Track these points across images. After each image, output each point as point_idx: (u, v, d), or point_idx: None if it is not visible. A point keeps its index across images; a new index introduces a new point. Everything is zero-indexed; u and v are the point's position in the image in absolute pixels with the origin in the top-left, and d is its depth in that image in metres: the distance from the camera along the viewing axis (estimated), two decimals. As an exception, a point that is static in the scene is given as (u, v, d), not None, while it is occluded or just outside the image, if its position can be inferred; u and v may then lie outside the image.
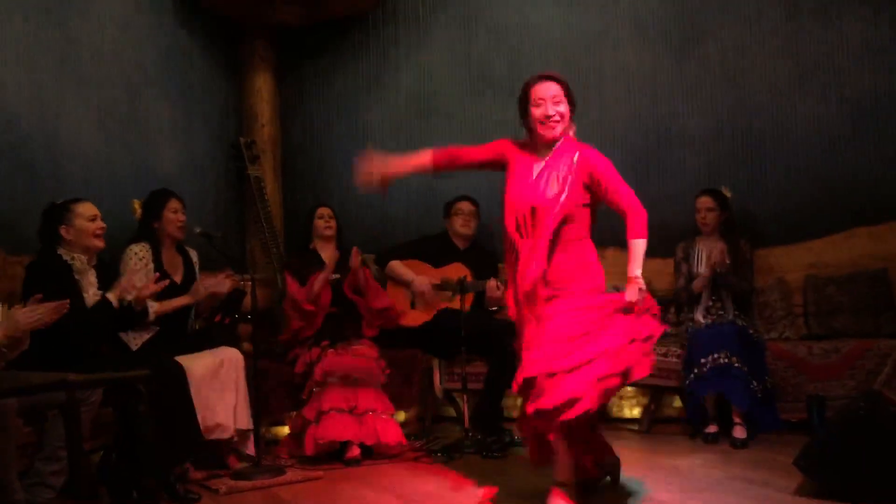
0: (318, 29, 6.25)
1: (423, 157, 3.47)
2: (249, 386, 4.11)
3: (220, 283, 4.14)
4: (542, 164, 3.36)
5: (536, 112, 3.34)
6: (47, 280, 3.49)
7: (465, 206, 5.31)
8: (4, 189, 4.10)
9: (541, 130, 3.36)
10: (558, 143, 3.38)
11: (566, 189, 3.28)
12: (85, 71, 4.68)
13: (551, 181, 3.29)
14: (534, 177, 3.34)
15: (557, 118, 3.34)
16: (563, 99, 3.36)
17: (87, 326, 3.55)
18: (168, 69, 5.44)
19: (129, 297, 3.72)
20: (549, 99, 3.33)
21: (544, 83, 3.36)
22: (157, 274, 3.93)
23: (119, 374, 3.38)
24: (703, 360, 4.44)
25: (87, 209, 3.69)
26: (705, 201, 4.93)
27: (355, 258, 4.66)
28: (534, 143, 3.41)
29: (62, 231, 3.62)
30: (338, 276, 4.67)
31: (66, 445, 2.97)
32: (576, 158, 3.32)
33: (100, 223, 3.72)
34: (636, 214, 3.45)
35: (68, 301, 3.11)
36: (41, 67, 4.37)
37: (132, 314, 3.78)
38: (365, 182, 3.41)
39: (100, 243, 3.73)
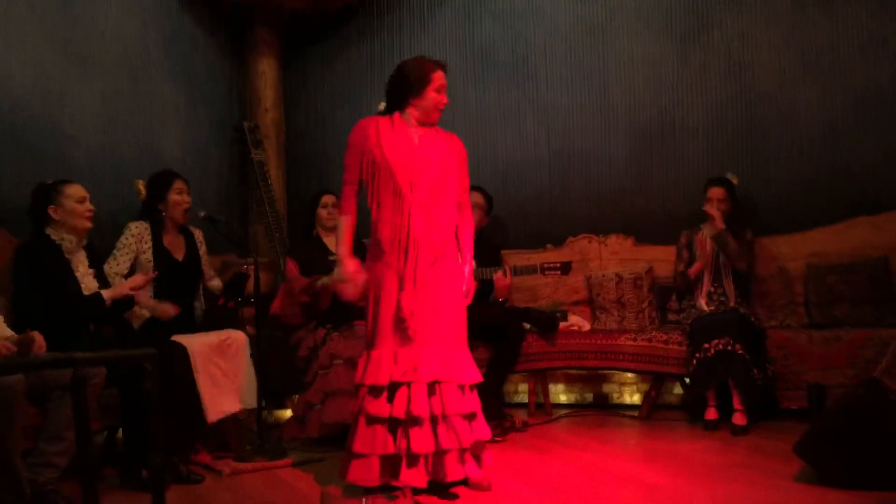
0: (323, 14, 6.26)
1: (348, 222, 3.52)
2: (253, 367, 4.14)
3: (160, 307, 4.08)
4: (419, 135, 3.46)
5: (437, 98, 3.45)
6: (38, 261, 3.51)
7: (474, 196, 5.31)
8: (9, 172, 4.11)
9: (434, 115, 3.48)
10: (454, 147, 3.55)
11: (448, 159, 3.46)
12: (89, 55, 4.68)
13: (435, 150, 3.44)
14: (416, 143, 3.44)
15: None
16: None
17: (76, 312, 3.58)
18: (172, 53, 5.44)
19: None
20: (444, 88, 3.47)
21: (443, 73, 3.48)
22: (156, 273, 3.95)
23: (125, 351, 3.40)
24: (705, 346, 4.46)
25: (75, 191, 3.68)
26: (718, 192, 4.88)
27: (348, 272, 4.58)
28: (407, 119, 3.48)
29: (50, 211, 3.62)
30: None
31: (73, 424, 2.98)
32: (452, 143, 3.53)
33: (88, 205, 3.71)
34: (470, 215, 3.64)
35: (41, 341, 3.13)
36: (46, 51, 4.37)
37: (123, 308, 3.83)
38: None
39: (88, 224, 3.72)
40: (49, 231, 3.63)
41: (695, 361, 4.52)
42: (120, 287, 3.77)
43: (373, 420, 3.22)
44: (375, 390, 3.24)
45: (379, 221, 3.39)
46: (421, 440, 3.17)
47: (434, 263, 3.34)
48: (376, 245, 3.40)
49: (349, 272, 3.43)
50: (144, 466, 3.46)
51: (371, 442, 3.21)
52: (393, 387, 3.23)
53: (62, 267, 3.60)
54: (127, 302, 3.83)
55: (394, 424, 3.21)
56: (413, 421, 3.18)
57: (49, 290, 3.48)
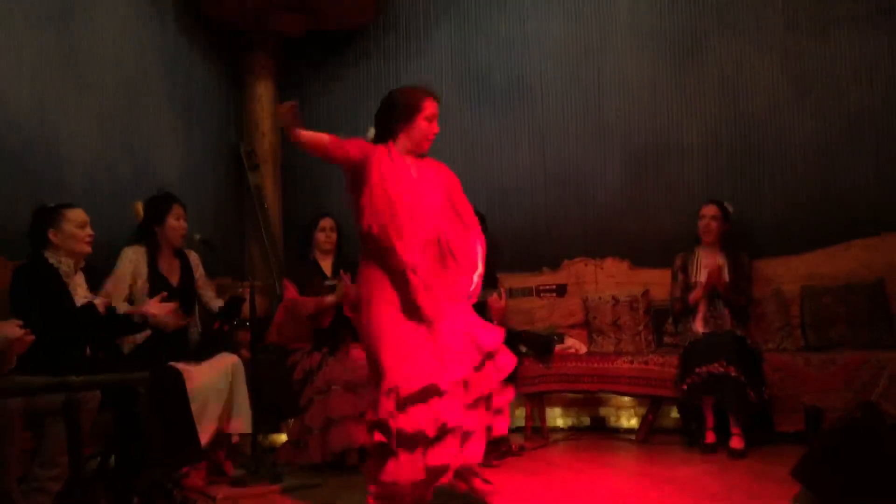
0: (319, 38, 6.29)
1: (323, 137, 3.47)
2: (248, 391, 4.12)
3: (167, 315, 4.00)
4: (416, 167, 3.45)
5: (427, 127, 3.43)
6: (35, 284, 3.49)
7: None
8: (5, 195, 4.10)
9: (425, 144, 3.46)
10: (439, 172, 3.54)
11: (446, 190, 3.46)
12: (87, 77, 4.69)
13: (431, 184, 3.43)
14: (415, 177, 3.42)
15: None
16: None
17: (72, 328, 3.55)
18: (169, 76, 5.46)
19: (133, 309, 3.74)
20: (435, 117, 3.45)
21: (435, 102, 3.46)
22: (164, 293, 3.91)
23: (119, 375, 3.38)
24: (698, 370, 4.45)
25: (77, 215, 3.67)
26: (710, 210, 4.96)
27: (346, 283, 4.55)
28: (401, 148, 3.45)
29: (50, 234, 3.61)
30: (334, 282, 4.65)
31: (66, 448, 2.96)
32: (445, 173, 3.53)
33: (89, 230, 3.70)
34: (479, 231, 3.59)
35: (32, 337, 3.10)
36: (43, 74, 4.39)
37: (121, 321, 3.79)
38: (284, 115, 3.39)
39: (87, 249, 3.72)
40: (47, 254, 3.62)
41: (685, 386, 4.51)
42: (145, 306, 3.78)
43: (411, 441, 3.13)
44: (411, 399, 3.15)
45: (376, 250, 3.34)
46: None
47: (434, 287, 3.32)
48: (373, 268, 3.35)
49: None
50: (136, 492, 3.43)
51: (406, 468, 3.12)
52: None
53: (60, 290, 3.59)
54: (131, 324, 3.81)
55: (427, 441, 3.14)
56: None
57: (46, 313, 3.46)
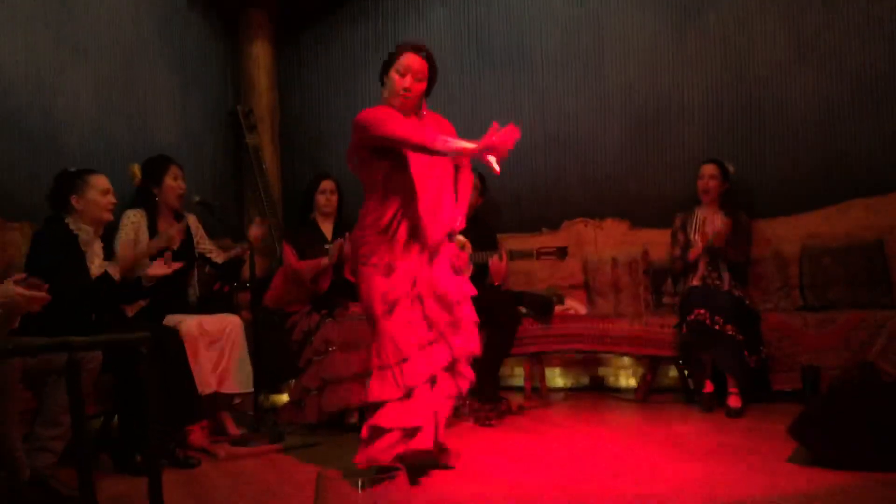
0: (317, -2, 6.23)
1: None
2: (249, 352, 4.16)
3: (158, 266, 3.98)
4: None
5: (398, 81, 3.26)
6: (53, 251, 3.48)
7: None
8: (2, 158, 4.09)
9: (394, 100, 3.29)
10: (423, 114, 3.40)
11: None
12: (82, 40, 4.65)
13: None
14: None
15: (413, 93, 3.29)
16: (426, 77, 3.33)
17: (89, 297, 3.55)
18: (165, 37, 5.41)
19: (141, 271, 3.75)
20: (411, 71, 3.26)
21: (414, 55, 3.27)
22: (169, 254, 3.89)
23: (120, 335, 3.40)
24: (697, 311, 4.44)
25: (101, 182, 3.67)
26: (709, 169, 4.96)
27: (347, 248, 4.53)
28: (383, 102, 3.34)
29: (73, 200, 3.60)
30: (330, 246, 4.64)
31: (68, 409, 2.99)
32: (443, 125, 3.43)
33: (111, 197, 3.70)
34: (469, 172, 3.61)
35: (48, 297, 3.09)
36: (38, 37, 4.35)
37: (133, 287, 3.79)
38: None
39: (109, 216, 3.74)
40: (68, 220, 3.61)
41: (684, 329, 4.53)
42: (147, 269, 3.78)
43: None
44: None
45: (385, 211, 3.27)
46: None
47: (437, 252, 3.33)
48: (379, 234, 3.29)
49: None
50: (139, 451, 3.46)
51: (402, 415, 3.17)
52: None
53: (78, 260, 3.58)
54: (136, 288, 3.81)
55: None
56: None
57: (62, 282, 3.41)
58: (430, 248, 3.30)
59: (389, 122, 3.17)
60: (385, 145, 3.20)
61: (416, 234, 3.28)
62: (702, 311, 4.43)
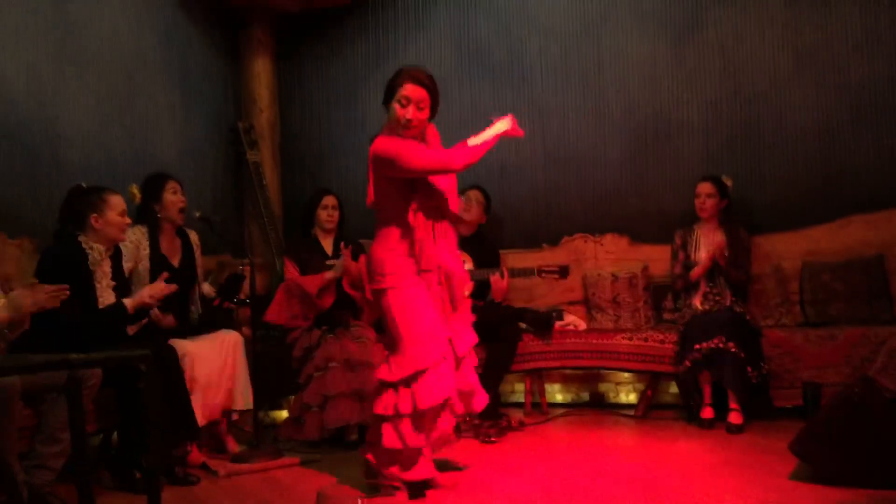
0: (317, 13, 6.25)
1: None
2: (249, 368, 4.15)
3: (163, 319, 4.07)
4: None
5: (400, 111, 3.28)
6: (64, 270, 3.44)
7: (473, 194, 5.31)
8: (3, 173, 4.10)
9: (399, 130, 3.31)
10: (428, 136, 3.44)
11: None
12: (83, 55, 4.67)
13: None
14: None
15: (417, 123, 3.31)
16: (428, 104, 3.33)
17: (97, 326, 3.53)
18: (167, 53, 5.43)
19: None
20: (412, 101, 3.28)
21: (414, 86, 3.27)
22: (166, 274, 3.88)
23: (120, 353, 3.39)
24: (697, 347, 4.47)
25: (119, 202, 3.67)
26: (705, 187, 4.96)
27: (347, 259, 4.58)
28: (389, 132, 3.37)
29: (92, 219, 3.59)
30: (335, 262, 4.64)
31: (68, 426, 2.98)
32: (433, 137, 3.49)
33: (127, 218, 3.71)
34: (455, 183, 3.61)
35: (67, 287, 3.09)
36: (40, 51, 4.36)
37: (140, 314, 3.81)
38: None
39: (123, 237, 3.74)
40: (82, 238, 3.60)
41: (688, 363, 4.52)
42: (139, 296, 3.73)
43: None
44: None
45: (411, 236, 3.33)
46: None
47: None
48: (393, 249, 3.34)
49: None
50: (138, 468, 3.45)
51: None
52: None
53: (86, 279, 3.56)
54: (142, 312, 3.80)
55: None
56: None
57: (69, 305, 3.26)
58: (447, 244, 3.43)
59: (413, 158, 3.23)
60: (410, 177, 3.29)
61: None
62: (702, 347, 4.44)
